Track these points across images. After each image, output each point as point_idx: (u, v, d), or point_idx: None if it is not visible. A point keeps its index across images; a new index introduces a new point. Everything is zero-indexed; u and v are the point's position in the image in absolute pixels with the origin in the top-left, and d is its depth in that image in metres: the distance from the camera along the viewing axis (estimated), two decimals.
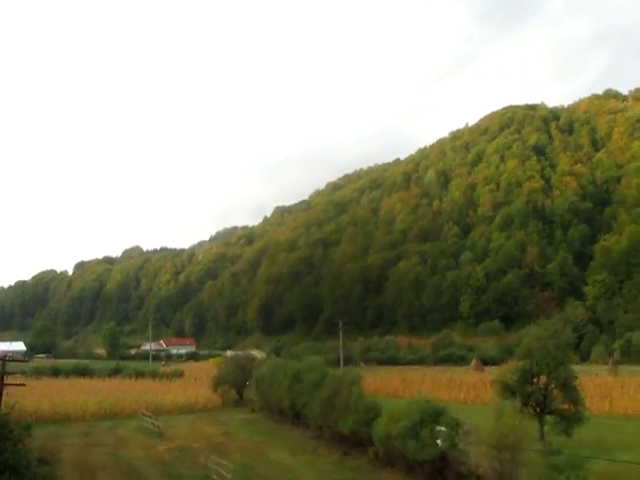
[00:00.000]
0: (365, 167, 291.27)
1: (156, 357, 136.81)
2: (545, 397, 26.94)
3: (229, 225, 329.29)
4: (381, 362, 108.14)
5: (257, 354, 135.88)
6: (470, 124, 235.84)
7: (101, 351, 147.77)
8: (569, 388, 26.47)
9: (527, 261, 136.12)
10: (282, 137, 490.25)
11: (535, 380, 27.56)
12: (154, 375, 63.40)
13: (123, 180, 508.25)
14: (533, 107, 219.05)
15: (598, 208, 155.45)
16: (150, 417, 37.14)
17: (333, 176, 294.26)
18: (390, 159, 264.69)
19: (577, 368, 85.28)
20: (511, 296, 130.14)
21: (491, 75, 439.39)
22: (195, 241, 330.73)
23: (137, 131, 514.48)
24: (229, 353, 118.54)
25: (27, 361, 63.33)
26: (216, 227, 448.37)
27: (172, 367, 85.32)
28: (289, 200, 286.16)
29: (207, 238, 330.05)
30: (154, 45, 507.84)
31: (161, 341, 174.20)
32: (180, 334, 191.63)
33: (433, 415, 21.32)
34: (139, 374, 62.99)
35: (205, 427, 37.28)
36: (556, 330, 28.01)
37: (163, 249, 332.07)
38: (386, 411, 23.67)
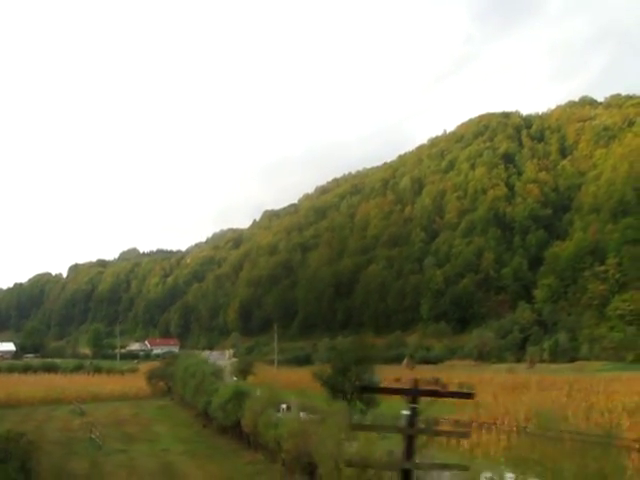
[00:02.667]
0: (354, 171, 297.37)
1: (136, 356, 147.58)
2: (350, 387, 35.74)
3: (229, 226, 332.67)
4: None
5: (228, 354, 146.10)
6: (449, 130, 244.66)
7: (88, 351, 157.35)
8: (364, 380, 35.29)
9: (483, 266, 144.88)
10: (283, 137, 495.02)
11: (348, 374, 36.36)
12: (109, 371, 72.62)
13: (120, 180, 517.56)
14: (507, 115, 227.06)
15: (559, 215, 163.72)
16: (78, 402, 46.38)
17: (333, 177, 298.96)
18: (390, 160, 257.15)
19: (502, 366, 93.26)
20: (466, 299, 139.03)
21: (489, 76, 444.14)
22: (193, 242, 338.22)
23: (136, 132, 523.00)
24: (207, 353, 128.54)
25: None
26: (215, 228, 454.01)
27: (135, 365, 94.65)
28: (290, 201, 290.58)
29: (204, 240, 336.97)
30: (152, 43, 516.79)
31: (146, 341, 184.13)
32: (166, 335, 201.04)
33: (239, 395, 30.29)
34: (97, 370, 72.26)
35: (123, 410, 46.28)
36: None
37: (159, 251, 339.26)
38: (218, 393, 32.62)
